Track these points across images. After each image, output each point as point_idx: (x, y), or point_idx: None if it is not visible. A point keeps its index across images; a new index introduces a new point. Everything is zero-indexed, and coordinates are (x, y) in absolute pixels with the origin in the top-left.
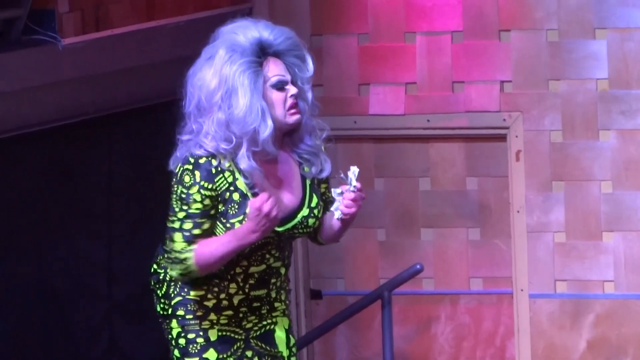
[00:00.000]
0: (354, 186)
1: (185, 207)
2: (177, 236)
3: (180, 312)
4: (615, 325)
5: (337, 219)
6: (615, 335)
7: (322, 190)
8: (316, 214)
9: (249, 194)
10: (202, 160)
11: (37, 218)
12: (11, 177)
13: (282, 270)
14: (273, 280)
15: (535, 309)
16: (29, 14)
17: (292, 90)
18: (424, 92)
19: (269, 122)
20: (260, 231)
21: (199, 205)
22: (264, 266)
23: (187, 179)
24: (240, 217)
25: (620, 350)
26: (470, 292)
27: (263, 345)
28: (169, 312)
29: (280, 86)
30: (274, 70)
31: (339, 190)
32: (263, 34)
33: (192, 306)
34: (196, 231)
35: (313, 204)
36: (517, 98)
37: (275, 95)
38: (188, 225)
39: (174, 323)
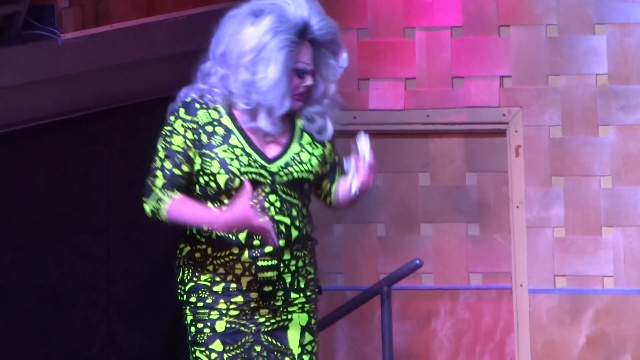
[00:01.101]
0: (365, 157)
1: (167, 145)
2: (159, 173)
3: (192, 299)
4: (615, 320)
5: (354, 192)
6: (615, 331)
7: (328, 150)
8: (310, 150)
9: (234, 129)
10: (188, 100)
11: (36, 213)
12: (9, 172)
13: (294, 233)
14: (282, 267)
15: (535, 304)
16: (28, 9)
17: (308, 80)
18: (423, 87)
19: (287, 102)
20: (234, 229)
21: (181, 140)
22: (266, 218)
23: (172, 117)
24: (224, 147)
25: (619, 345)
26: (470, 288)
27: (273, 341)
28: (184, 298)
29: (301, 73)
30: (304, 56)
31: (352, 162)
32: (312, 18)
33: (203, 292)
34: (176, 171)
35: (304, 141)
36: (516, 93)
37: (293, 77)
38: (168, 164)
39: (187, 310)
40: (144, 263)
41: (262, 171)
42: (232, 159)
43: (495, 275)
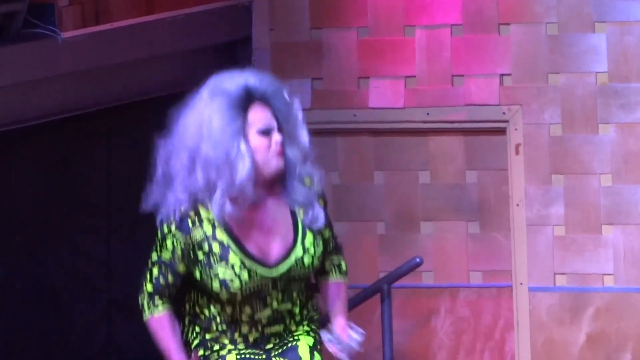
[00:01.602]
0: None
1: (158, 253)
2: (148, 276)
3: (200, 352)
4: (615, 318)
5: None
6: (615, 329)
7: (326, 236)
8: (312, 252)
9: (230, 244)
10: (180, 212)
11: (36, 213)
12: (10, 171)
13: (296, 310)
14: (288, 321)
15: (535, 303)
16: (28, 8)
17: (276, 137)
18: (423, 85)
19: (247, 162)
20: None
21: (169, 255)
22: (269, 310)
23: (164, 228)
24: (223, 267)
25: (619, 343)
26: (470, 286)
27: (287, 359)
28: (191, 356)
29: (265, 132)
30: (260, 115)
31: (328, 336)
32: (249, 80)
33: (210, 344)
34: (161, 280)
35: (308, 243)
36: (516, 91)
37: (260, 141)
38: (155, 271)
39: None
40: (144, 263)
41: (263, 281)
42: (232, 280)
43: (495, 274)
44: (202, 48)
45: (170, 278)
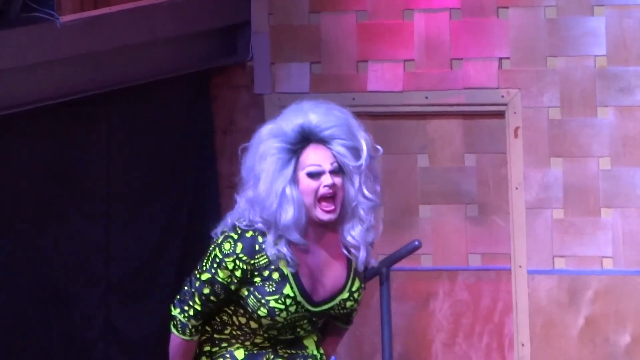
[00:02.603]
0: None
1: (213, 271)
2: (196, 295)
3: (207, 348)
4: (614, 301)
5: None
6: (614, 312)
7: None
8: (356, 297)
9: (289, 275)
10: (248, 234)
11: (35, 197)
12: (8, 156)
13: (314, 336)
14: (302, 338)
15: (534, 285)
16: None
17: (325, 180)
18: (422, 69)
19: (290, 208)
20: None
21: (227, 275)
22: (293, 336)
23: (227, 246)
24: (277, 297)
25: (618, 326)
26: (469, 269)
27: (293, 350)
28: (197, 352)
29: (313, 174)
30: (311, 158)
31: None
32: (309, 119)
33: (218, 341)
34: (212, 298)
35: (354, 288)
36: (515, 75)
37: (307, 183)
38: (207, 290)
39: (203, 359)
40: (143, 247)
41: (305, 313)
42: (281, 310)
43: (494, 257)
44: (200, 32)
45: (222, 296)
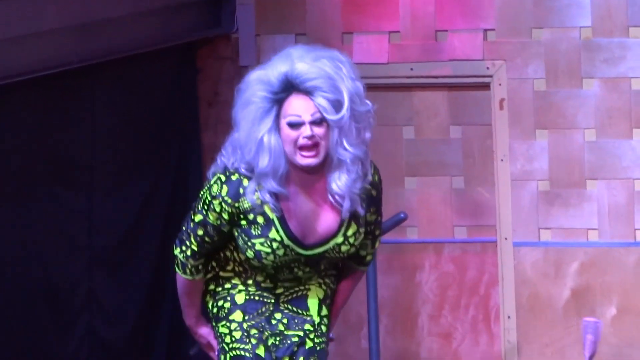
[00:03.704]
0: None
1: (204, 212)
2: (192, 236)
3: (211, 287)
4: (599, 273)
5: None
6: (599, 284)
7: (369, 214)
8: (352, 242)
9: (274, 219)
10: (234, 177)
11: (18, 168)
12: None
13: (315, 276)
14: (303, 280)
15: (520, 257)
16: None
17: (305, 131)
18: (407, 40)
19: (266, 159)
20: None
21: (215, 217)
22: (291, 275)
23: (215, 188)
24: (262, 240)
25: (604, 298)
26: (455, 241)
27: (294, 308)
28: (205, 286)
29: (293, 124)
30: (293, 108)
31: None
32: (294, 68)
33: (222, 280)
34: (207, 239)
35: (349, 232)
36: (500, 46)
37: (287, 133)
38: (201, 231)
39: (207, 297)
40: (126, 217)
41: (297, 257)
42: (267, 253)
43: (479, 229)
44: (185, 3)
45: (216, 237)
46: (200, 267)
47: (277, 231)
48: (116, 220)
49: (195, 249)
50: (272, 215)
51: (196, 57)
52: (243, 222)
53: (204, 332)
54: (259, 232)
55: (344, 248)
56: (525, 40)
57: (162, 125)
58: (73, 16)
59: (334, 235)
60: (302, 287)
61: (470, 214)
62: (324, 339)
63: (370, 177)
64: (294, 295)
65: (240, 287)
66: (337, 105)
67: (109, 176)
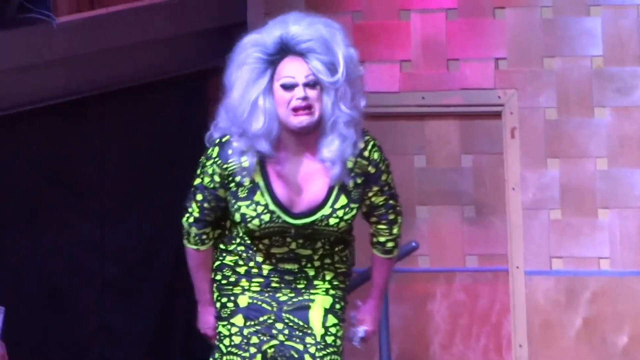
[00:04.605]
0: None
1: (201, 176)
2: (193, 203)
3: (218, 277)
4: (611, 302)
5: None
6: (611, 312)
7: (371, 194)
8: (340, 215)
9: (260, 183)
10: (225, 139)
11: (30, 196)
12: (4, 156)
13: (315, 257)
14: (304, 262)
15: (531, 286)
16: None
17: (298, 93)
18: (418, 69)
19: (260, 120)
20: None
21: (209, 179)
22: (286, 249)
23: (209, 150)
24: (248, 202)
25: (616, 327)
26: (466, 270)
27: (295, 320)
28: (214, 276)
29: (287, 86)
30: (287, 69)
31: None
32: (289, 30)
33: (227, 271)
34: (206, 204)
35: (338, 205)
36: (511, 75)
37: (280, 94)
38: (199, 196)
39: (214, 287)
40: (137, 244)
41: (284, 225)
42: (252, 217)
43: (491, 258)
44: (196, 33)
45: (213, 202)
46: (204, 237)
47: (262, 195)
48: (128, 247)
49: (197, 215)
50: (258, 179)
51: (207, 86)
52: (232, 185)
53: (210, 321)
54: (245, 195)
55: (332, 221)
56: (537, 69)
57: (172, 154)
58: (84, 45)
59: (321, 205)
60: (306, 296)
61: (482, 242)
62: (329, 350)
63: (361, 148)
64: (297, 305)
65: (244, 282)
66: (331, 67)
67: (119, 203)
